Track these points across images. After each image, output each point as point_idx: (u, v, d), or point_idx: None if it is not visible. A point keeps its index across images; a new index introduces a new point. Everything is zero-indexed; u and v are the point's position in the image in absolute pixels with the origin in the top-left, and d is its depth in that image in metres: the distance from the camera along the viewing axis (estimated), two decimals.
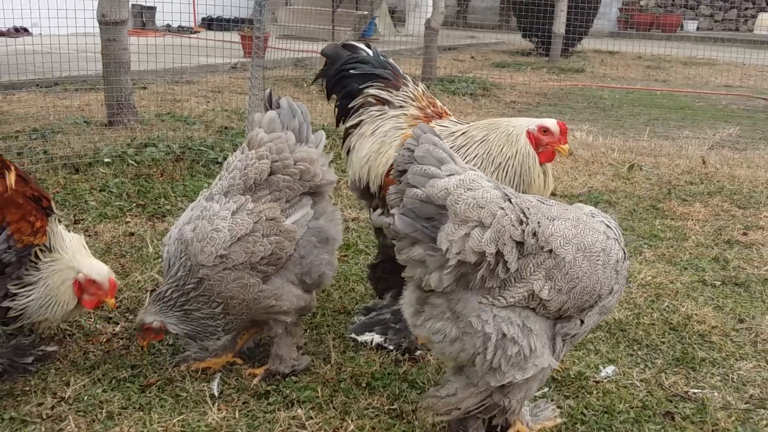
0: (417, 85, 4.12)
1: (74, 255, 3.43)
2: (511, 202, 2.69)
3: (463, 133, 3.71)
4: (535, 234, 2.69)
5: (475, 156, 3.60)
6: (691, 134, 9.63)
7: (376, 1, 18.44)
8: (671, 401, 3.57)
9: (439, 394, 3.00)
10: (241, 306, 3.32)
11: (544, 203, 2.87)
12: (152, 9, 17.21)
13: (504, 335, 2.74)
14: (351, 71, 4.11)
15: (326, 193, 3.61)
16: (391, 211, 2.75)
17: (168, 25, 17.24)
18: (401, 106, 3.99)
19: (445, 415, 3.01)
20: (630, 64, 17.13)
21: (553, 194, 6.62)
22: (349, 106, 4.07)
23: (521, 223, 2.67)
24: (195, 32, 17.39)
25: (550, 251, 2.71)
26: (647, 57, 18.11)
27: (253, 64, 7.33)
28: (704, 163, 7.93)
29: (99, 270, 3.42)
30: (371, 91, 4.04)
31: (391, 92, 4.03)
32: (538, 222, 2.73)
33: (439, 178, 2.63)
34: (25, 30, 14.46)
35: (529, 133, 3.52)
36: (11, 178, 3.26)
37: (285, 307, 3.40)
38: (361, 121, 4.02)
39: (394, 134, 3.88)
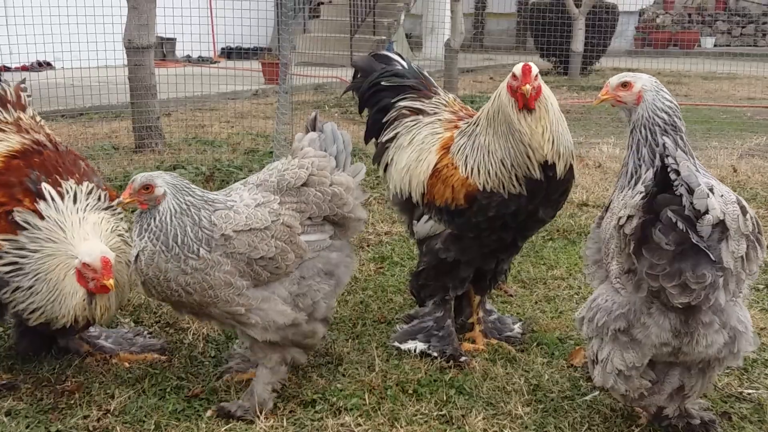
0: (448, 94, 4.12)
1: (73, 240, 3.29)
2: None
3: (481, 116, 3.71)
4: None
5: (480, 126, 3.64)
6: (718, 144, 9.53)
7: (393, 26, 18.54)
8: (726, 402, 3.49)
9: (664, 391, 3.07)
10: (204, 299, 3.13)
11: None
12: (172, 40, 17.36)
13: (747, 325, 2.91)
14: (384, 83, 4.11)
15: (350, 230, 3.47)
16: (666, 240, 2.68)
17: (188, 56, 17.40)
18: (435, 113, 3.98)
19: (671, 403, 3.12)
20: None
21: (584, 204, 6.58)
22: (384, 120, 4.06)
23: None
24: (215, 62, 17.54)
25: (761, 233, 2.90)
26: (666, 73, 17.98)
27: (280, 86, 7.39)
28: (735, 171, 7.84)
29: (90, 251, 3.25)
30: (404, 103, 4.04)
31: (424, 102, 4.03)
32: None
33: (708, 197, 2.65)
34: (48, 64, 14.64)
35: (508, 86, 3.51)
36: None
37: (254, 321, 3.17)
38: (397, 133, 4.01)
39: (431, 140, 3.87)
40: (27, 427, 3.12)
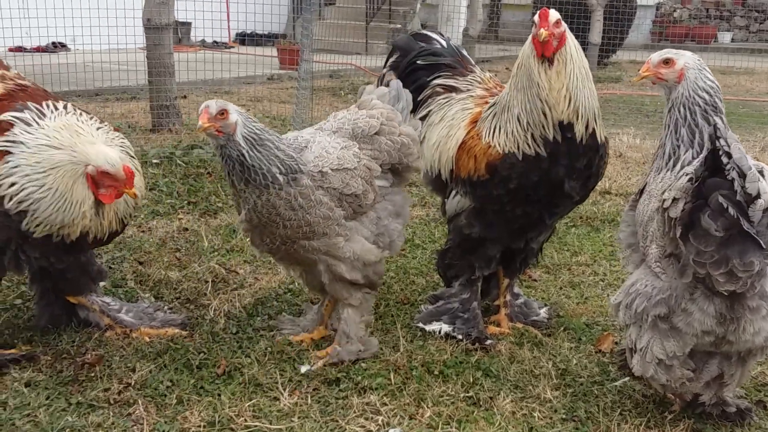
0: (484, 72, 4.03)
1: (75, 145, 3.18)
2: None
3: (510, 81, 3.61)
4: None
5: (506, 88, 3.56)
6: (739, 137, 9.38)
7: (408, 14, 18.42)
8: (760, 390, 3.41)
9: (702, 379, 2.98)
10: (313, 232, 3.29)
11: None
12: (187, 25, 17.27)
13: None
14: (420, 62, 4.04)
15: (405, 180, 3.66)
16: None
17: (203, 41, 17.31)
18: (468, 90, 3.89)
19: (708, 391, 3.03)
20: None
21: (607, 193, 6.48)
22: (419, 99, 3.99)
23: None
24: (230, 47, 17.45)
25: None
26: None
27: (300, 70, 7.33)
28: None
29: (109, 158, 3.16)
30: (438, 81, 3.98)
31: (458, 79, 3.95)
32: None
33: (759, 181, 2.55)
34: (63, 45, 14.57)
35: (532, 36, 3.36)
36: None
37: (349, 256, 3.36)
38: (430, 111, 3.95)
39: (461, 116, 3.79)
40: (47, 399, 3.06)
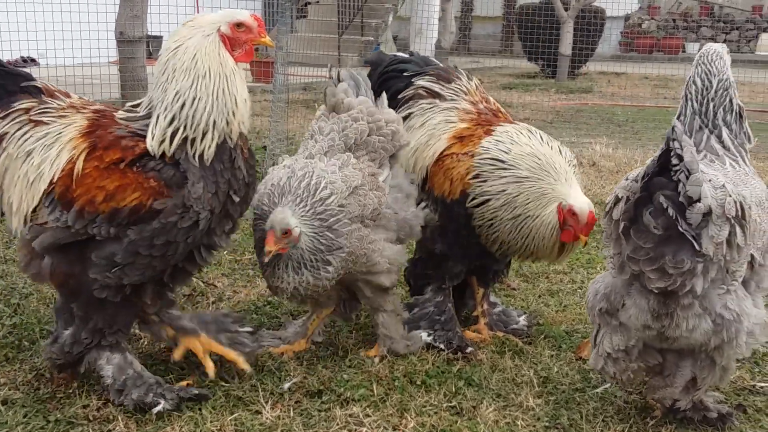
0: (470, 80, 4.04)
1: (194, 26, 2.96)
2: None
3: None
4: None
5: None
6: None
7: (380, 27, 18.48)
8: (740, 395, 3.44)
9: (677, 384, 3.00)
10: (356, 262, 3.36)
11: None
12: (159, 38, 17.20)
13: (741, 313, 2.78)
14: (393, 70, 4.06)
15: (400, 156, 3.69)
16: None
17: None
18: (453, 100, 3.90)
19: (685, 396, 3.04)
20: (637, 84, 17.12)
21: None
22: (399, 96, 3.98)
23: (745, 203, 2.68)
24: None
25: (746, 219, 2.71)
26: (653, 77, 18.09)
27: (274, 84, 7.35)
28: None
29: (232, 11, 2.97)
30: (422, 82, 3.96)
31: (443, 85, 3.95)
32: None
33: (701, 185, 2.56)
34: (33, 60, 14.43)
35: (559, 208, 3.47)
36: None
37: (386, 267, 3.43)
38: (411, 113, 3.94)
39: (443, 127, 3.81)
40: (25, 417, 3.01)
